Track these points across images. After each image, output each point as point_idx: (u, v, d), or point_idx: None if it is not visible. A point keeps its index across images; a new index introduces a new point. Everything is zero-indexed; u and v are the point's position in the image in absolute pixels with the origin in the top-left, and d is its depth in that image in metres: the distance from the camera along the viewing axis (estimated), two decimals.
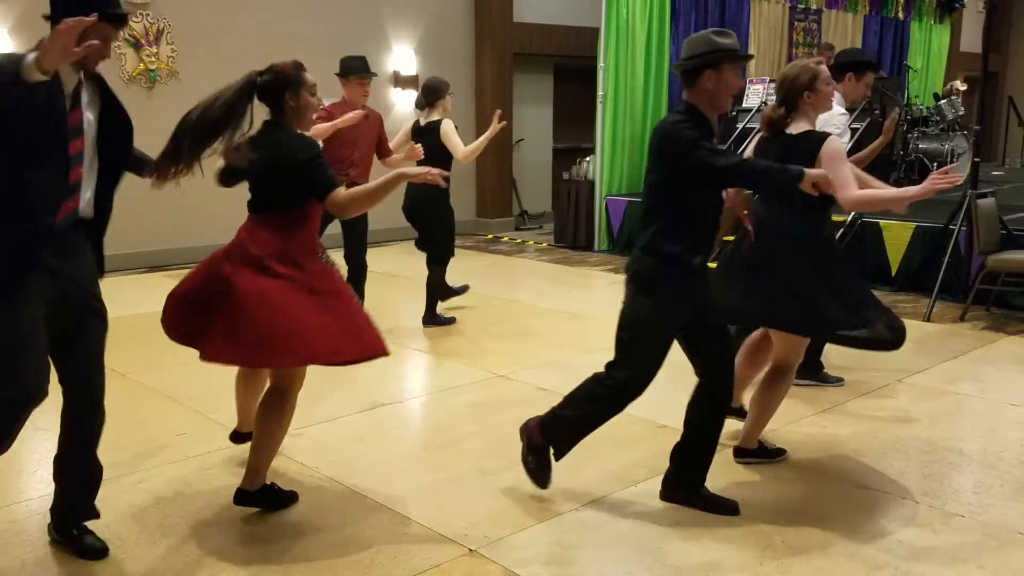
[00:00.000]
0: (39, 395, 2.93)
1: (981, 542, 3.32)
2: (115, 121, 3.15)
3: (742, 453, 4.06)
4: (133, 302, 7.03)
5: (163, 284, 8.20)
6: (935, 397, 5.00)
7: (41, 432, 4.49)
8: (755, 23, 11.34)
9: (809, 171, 3.26)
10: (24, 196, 2.92)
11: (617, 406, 3.55)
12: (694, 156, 3.29)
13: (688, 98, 3.46)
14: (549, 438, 3.61)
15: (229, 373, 5.44)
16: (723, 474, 3.91)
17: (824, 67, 3.84)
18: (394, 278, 7.26)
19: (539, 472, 3.62)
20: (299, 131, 3.41)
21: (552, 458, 3.63)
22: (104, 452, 4.13)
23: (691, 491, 3.62)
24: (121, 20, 3.05)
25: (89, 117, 3.05)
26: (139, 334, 6.25)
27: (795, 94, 3.79)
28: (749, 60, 3.58)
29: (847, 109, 5.21)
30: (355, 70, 6.12)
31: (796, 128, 3.78)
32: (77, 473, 3.23)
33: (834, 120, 4.93)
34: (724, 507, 3.57)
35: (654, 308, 3.43)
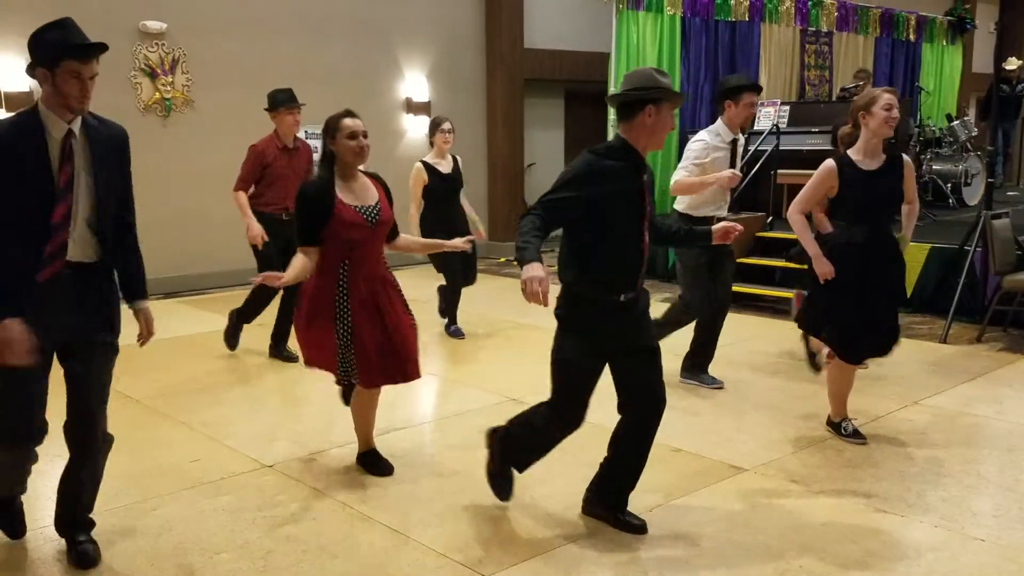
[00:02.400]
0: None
1: (1001, 566, 3.27)
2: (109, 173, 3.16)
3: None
4: None
5: (178, 310, 8.26)
6: (952, 419, 4.95)
7: (55, 459, 4.51)
8: (766, 46, 11.35)
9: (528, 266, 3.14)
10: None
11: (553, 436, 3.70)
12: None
13: (622, 132, 3.45)
14: (505, 457, 3.77)
15: (241, 400, 5.45)
16: (739, 500, 3.88)
17: (887, 95, 4.24)
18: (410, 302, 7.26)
19: (503, 486, 3.80)
20: (345, 174, 3.89)
21: (514, 472, 3.79)
22: (119, 478, 4.15)
23: (609, 511, 3.66)
24: (83, 52, 2.98)
25: (81, 173, 3.05)
26: (153, 361, 6.27)
27: (854, 114, 4.34)
28: (682, 101, 3.74)
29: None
30: (284, 102, 6.14)
31: (858, 143, 4.35)
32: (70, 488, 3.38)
33: (691, 146, 5.44)
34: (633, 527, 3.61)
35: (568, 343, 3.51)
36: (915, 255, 7.65)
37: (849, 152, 4.37)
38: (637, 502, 3.83)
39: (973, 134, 11.20)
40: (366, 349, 3.86)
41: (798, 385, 5.55)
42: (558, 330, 3.55)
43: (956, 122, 11.26)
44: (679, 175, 5.43)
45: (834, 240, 4.42)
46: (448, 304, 7.09)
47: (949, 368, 5.99)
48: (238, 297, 8.99)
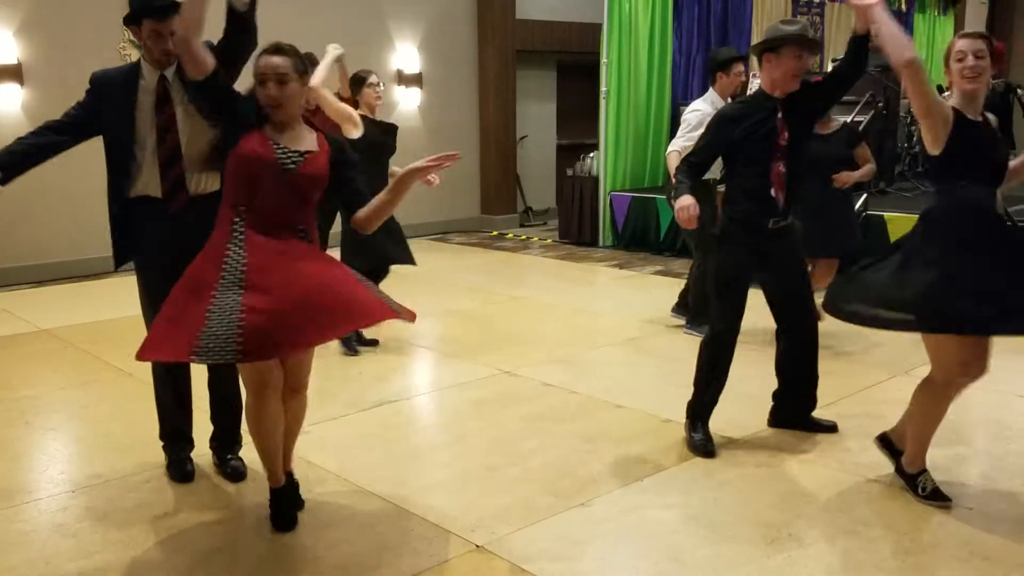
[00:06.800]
0: None
1: (988, 534, 3.31)
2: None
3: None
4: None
5: None
6: None
7: (51, 432, 4.53)
8: (758, 17, 11.30)
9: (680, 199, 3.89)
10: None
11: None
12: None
13: (760, 78, 4.06)
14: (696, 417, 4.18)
15: None
16: (729, 469, 3.92)
17: (960, 40, 3.51)
18: (401, 275, 7.27)
19: (695, 447, 4.10)
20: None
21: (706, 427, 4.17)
22: (114, 450, 4.18)
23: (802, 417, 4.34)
24: (159, 12, 3.39)
25: (183, 114, 3.47)
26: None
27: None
28: (811, 45, 3.96)
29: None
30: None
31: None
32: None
33: (687, 117, 5.81)
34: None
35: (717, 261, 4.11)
36: (907, 226, 7.63)
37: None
38: (628, 473, 3.88)
39: None
40: (260, 313, 2.91)
41: None
42: (717, 250, 4.11)
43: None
44: (676, 146, 5.72)
45: (958, 201, 3.40)
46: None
47: None
48: None
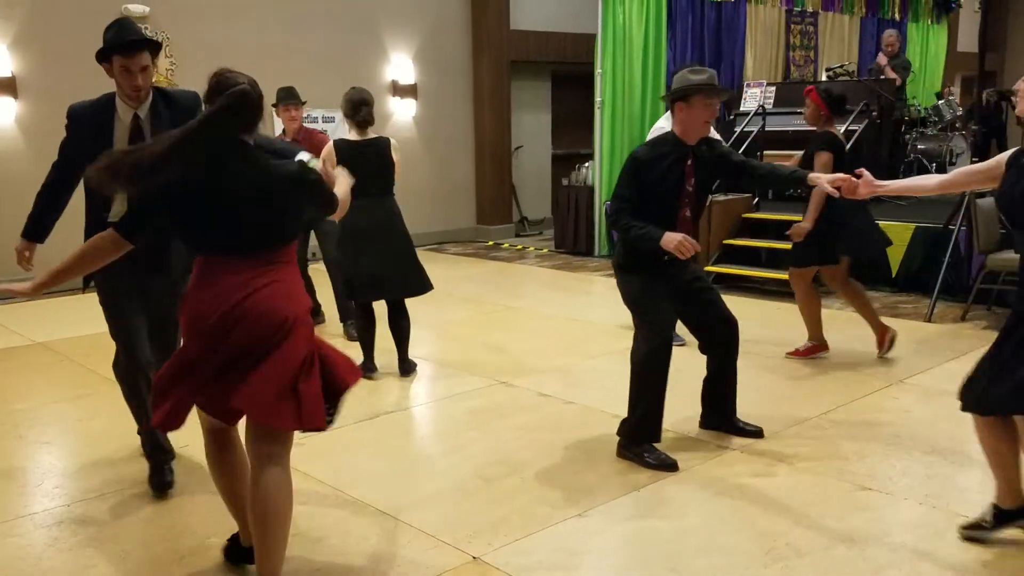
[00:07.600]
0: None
1: (987, 542, 3.30)
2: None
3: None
4: None
5: None
6: (937, 397, 4.99)
7: (45, 446, 4.51)
8: (751, 27, 11.36)
9: (665, 238, 3.86)
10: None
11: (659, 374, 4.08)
12: (615, 190, 4.15)
13: (672, 125, 4.13)
14: (634, 439, 4.10)
15: None
16: (725, 478, 3.91)
17: None
18: None
19: (661, 462, 4.03)
20: None
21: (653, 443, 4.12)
22: (108, 464, 4.16)
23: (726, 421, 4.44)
24: (128, 48, 3.43)
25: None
26: None
27: None
28: (719, 92, 4.13)
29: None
30: (279, 99, 6.43)
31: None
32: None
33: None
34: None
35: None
36: (900, 234, 7.70)
37: None
38: (624, 483, 3.87)
39: (958, 113, 11.25)
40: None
41: (783, 365, 5.59)
42: (622, 277, 4.17)
43: (941, 101, 11.29)
44: None
45: None
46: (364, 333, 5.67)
47: (934, 346, 6.03)
48: None
